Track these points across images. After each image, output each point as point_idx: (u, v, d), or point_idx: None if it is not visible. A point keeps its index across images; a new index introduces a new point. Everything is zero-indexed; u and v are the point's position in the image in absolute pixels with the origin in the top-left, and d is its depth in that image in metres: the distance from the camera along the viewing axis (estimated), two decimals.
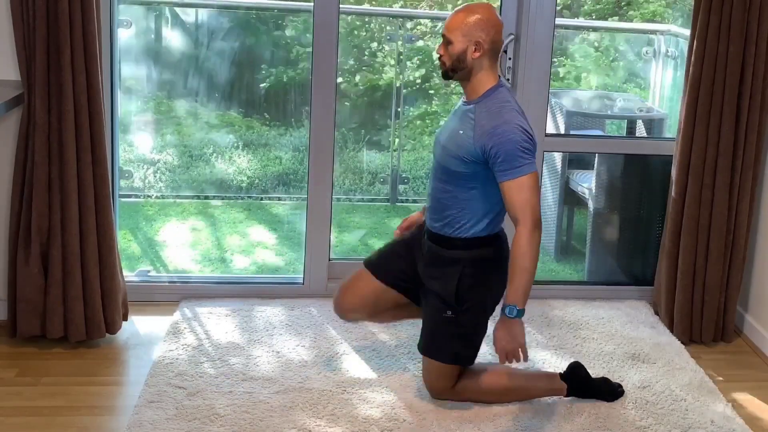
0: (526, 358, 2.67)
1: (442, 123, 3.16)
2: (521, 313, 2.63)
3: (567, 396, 2.95)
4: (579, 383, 2.96)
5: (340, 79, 3.54)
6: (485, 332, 2.87)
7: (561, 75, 4.86)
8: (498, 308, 2.75)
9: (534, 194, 2.61)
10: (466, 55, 2.71)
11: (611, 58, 4.94)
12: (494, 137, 2.62)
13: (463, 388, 2.89)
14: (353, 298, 3.02)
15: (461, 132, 2.73)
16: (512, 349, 2.64)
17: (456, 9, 2.77)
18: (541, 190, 2.64)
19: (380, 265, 3.01)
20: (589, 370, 3.07)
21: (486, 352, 3.03)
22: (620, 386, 3.03)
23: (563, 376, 2.96)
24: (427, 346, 2.87)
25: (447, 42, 2.73)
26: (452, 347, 2.83)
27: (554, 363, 3.21)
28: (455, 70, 2.74)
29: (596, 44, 4.95)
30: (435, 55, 2.85)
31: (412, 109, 5.02)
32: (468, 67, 2.73)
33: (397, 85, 4.89)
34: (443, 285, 2.81)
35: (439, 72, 2.83)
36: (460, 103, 2.86)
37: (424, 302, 2.91)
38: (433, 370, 2.88)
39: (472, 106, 2.75)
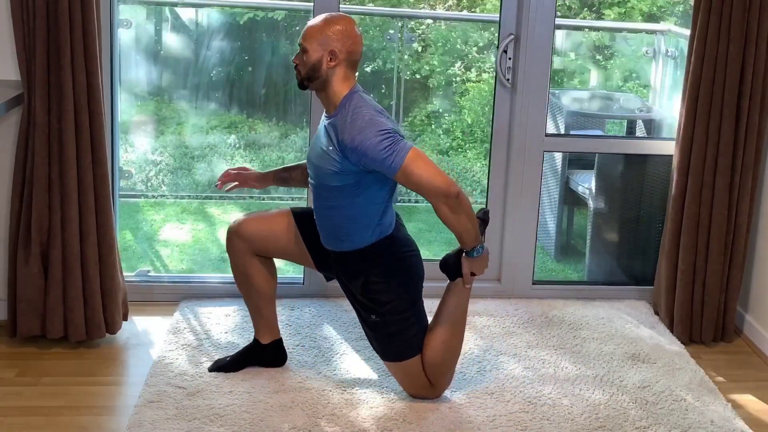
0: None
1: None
2: (481, 249, 2.82)
3: (453, 280, 2.93)
4: (452, 268, 2.93)
5: None
6: (421, 317, 2.91)
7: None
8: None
9: (421, 171, 2.65)
10: (321, 65, 2.72)
11: (610, 57, 4.94)
12: (356, 151, 2.65)
13: (431, 375, 2.90)
14: (258, 224, 2.98)
15: (330, 148, 2.74)
16: (478, 274, 2.89)
17: (315, 18, 2.78)
18: (431, 159, 2.71)
19: (305, 217, 3.01)
20: (586, 367, 3.08)
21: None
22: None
23: (447, 272, 2.95)
24: (380, 352, 2.92)
25: (303, 50, 2.74)
26: (396, 345, 2.87)
27: (554, 363, 3.21)
28: (310, 79, 2.75)
29: (596, 43, 4.96)
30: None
31: (412, 108, 5.03)
32: (323, 76, 2.73)
33: (398, 84, 4.89)
34: (354, 296, 2.89)
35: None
36: (323, 117, 2.87)
37: (355, 312, 2.96)
38: (399, 373, 2.91)
39: (332, 120, 2.76)
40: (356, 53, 2.77)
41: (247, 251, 2.96)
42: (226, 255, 3.03)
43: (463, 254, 2.85)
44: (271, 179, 3.14)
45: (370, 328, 2.89)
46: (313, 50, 2.71)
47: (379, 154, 2.63)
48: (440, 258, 2.95)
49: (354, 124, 2.67)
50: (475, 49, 4.94)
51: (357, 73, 2.82)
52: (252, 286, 3.01)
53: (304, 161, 3.08)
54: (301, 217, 3.02)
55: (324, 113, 2.85)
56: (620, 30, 4.96)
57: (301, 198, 4.43)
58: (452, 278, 2.93)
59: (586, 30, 4.94)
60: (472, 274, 2.88)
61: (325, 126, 2.79)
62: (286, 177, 3.15)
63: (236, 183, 3.12)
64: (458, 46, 4.92)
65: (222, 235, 4.55)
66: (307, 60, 2.72)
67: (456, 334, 2.92)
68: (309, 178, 2.93)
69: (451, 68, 4.86)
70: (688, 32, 3.41)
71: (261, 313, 3.06)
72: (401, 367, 2.88)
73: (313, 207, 2.94)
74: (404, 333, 2.86)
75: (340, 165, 2.72)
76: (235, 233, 2.97)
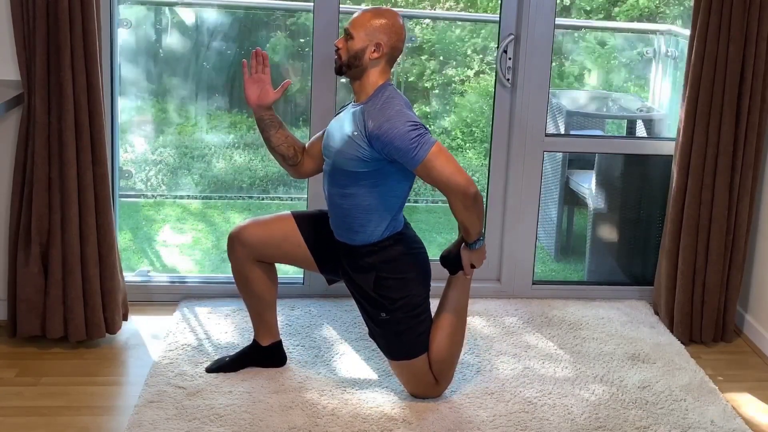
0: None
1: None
2: (481, 240, 2.83)
3: (454, 274, 2.93)
4: (453, 261, 2.93)
5: (341, 80, 3.55)
6: (429, 315, 2.91)
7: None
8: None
9: (443, 167, 2.65)
10: (364, 54, 2.76)
11: (611, 57, 4.94)
12: (382, 137, 2.66)
13: (437, 372, 2.90)
14: (259, 230, 2.95)
15: (356, 133, 2.74)
16: (477, 266, 2.89)
17: (365, 8, 2.82)
18: (452, 155, 2.71)
19: (307, 219, 3.02)
20: (586, 367, 3.08)
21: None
22: None
23: (448, 265, 2.95)
24: (388, 351, 2.91)
25: (348, 36, 2.77)
26: (405, 343, 2.86)
27: (554, 363, 3.21)
28: (350, 66, 2.79)
29: (596, 43, 4.96)
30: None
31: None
32: (363, 66, 2.77)
33: (398, 84, 4.89)
34: (364, 292, 2.87)
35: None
36: (349, 105, 2.88)
37: (360, 309, 2.95)
38: (405, 372, 2.90)
39: (361, 107, 2.77)
40: (399, 50, 2.83)
41: (248, 257, 2.96)
42: (226, 255, 3.03)
43: (463, 246, 2.86)
44: (269, 114, 2.93)
45: (379, 326, 2.88)
46: (359, 38, 2.75)
47: (405, 144, 2.64)
48: (439, 256, 2.96)
49: (383, 112, 2.69)
50: (473, 47, 4.94)
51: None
52: (253, 291, 3.01)
53: (300, 141, 3.03)
54: (302, 219, 3.01)
55: (351, 102, 2.88)
56: (620, 30, 4.96)
57: (300, 198, 4.43)
58: (453, 272, 2.93)
59: (585, 30, 4.95)
60: (472, 266, 2.89)
61: (353, 112, 2.80)
62: (276, 125, 2.94)
63: (253, 77, 2.91)
64: (457, 44, 4.93)
65: (222, 234, 4.55)
66: (351, 47, 2.76)
67: (460, 327, 2.93)
68: (324, 165, 2.93)
69: (450, 67, 4.87)
70: (688, 32, 3.42)
71: (261, 317, 3.06)
72: (408, 366, 2.88)
73: (326, 196, 2.93)
74: (413, 330, 2.86)
75: (364, 151, 2.72)
76: (236, 239, 2.96)
